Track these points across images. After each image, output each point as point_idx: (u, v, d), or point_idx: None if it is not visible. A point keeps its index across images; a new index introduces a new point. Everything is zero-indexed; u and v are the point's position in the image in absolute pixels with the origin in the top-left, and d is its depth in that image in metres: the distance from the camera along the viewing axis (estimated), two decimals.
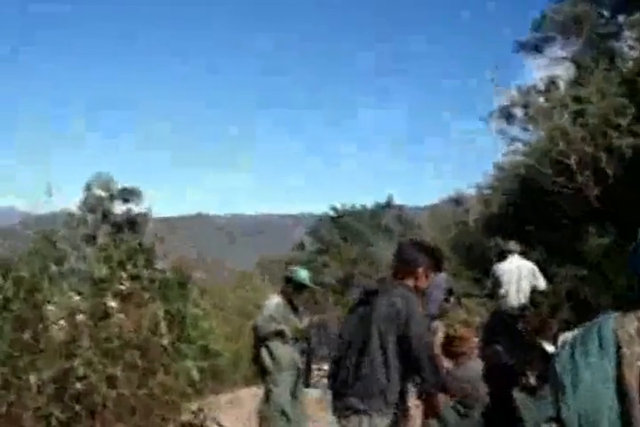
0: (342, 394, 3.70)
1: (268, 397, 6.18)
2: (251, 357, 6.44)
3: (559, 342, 2.11)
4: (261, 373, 6.27)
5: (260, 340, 6.18)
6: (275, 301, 6.31)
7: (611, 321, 1.99)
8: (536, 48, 16.99)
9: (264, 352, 6.14)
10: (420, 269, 4.01)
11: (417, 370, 3.64)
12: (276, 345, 6.13)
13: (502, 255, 8.46)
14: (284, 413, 6.05)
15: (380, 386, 3.60)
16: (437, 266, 4.21)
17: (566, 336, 2.10)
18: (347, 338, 3.83)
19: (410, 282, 3.94)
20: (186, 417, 5.94)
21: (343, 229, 30.58)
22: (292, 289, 6.39)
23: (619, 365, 1.90)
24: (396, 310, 3.67)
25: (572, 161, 12.65)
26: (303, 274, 6.50)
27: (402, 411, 3.69)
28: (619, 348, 1.91)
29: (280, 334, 6.15)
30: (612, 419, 1.85)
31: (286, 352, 6.15)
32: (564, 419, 1.93)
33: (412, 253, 4.03)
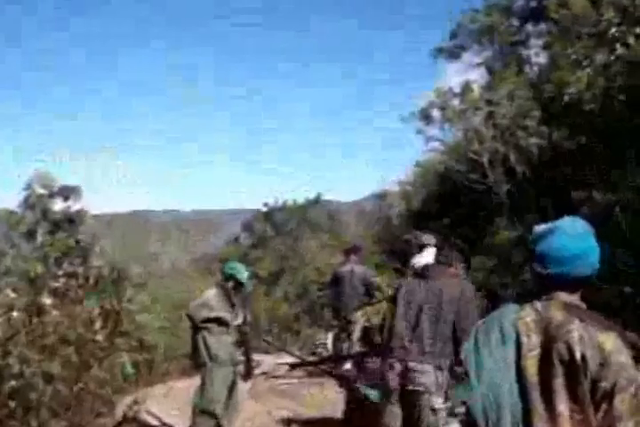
0: (419, 350, 4.24)
1: (202, 390, 5.87)
2: (189, 349, 6.16)
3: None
4: (197, 366, 5.98)
5: (196, 331, 5.90)
6: (212, 291, 6.09)
7: (511, 312, 2.16)
8: (453, 54, 17.57)
9: (200, 344, 5.85)
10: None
11: (458, 344, 4.16)
12: (213, 338, 5.87)
13: (419, 248, 8.59)
14: (214, 410, 5.80)
15: (449, 348, 4.22)
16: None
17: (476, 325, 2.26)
18: (417, 303, 4.38)
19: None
20: (120, 410, 6.05)
21: (275, 224, 30.90)
22: (232, 286, 6.16)
23: (518, 353, 2.07)
24: (461, 290, 4.36)
25: (485, 159, 13.32)
26: (244, 273, 6.31)
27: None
28: (518, 337, 2.09)
29: (218, 322, 5.92)
30: (513, 403, 2.02)
31: (224, 345, 5.91)
32: (469, 404, 2.10)
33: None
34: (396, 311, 4.41)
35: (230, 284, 6.15)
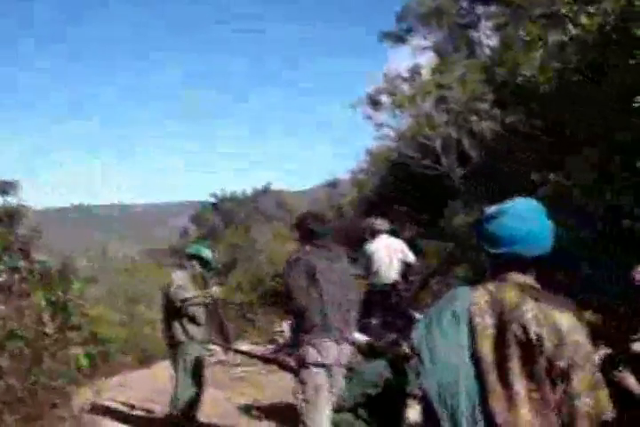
0: None
1: (179, 363, 6.17)
2: (163, 330, 6.45)
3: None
4: (171, 345, 6.24)
5: (173, 311, 6.17)
6: (180, 274, 6.37)
7: (463, 294, 2.15)
8: (400, 38, 17.43)
9: (176, 324, 6.16)
10: None
11: None
12: (188, 317, 6.17)
13: (372, 235, 8.58)
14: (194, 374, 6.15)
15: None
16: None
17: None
18: None
19: None
20: (76, 401, 5.96)
21: (224, 214, 30.66)
22: (200, 266, 6.45)
23: (472, 334, 2.07)
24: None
25: (437, 144, 13.35)
26: (207, 252, 6.60)
27: None
28: (471, 319, 2.09)
29: (196, 301, 6.21)
30: (469, 385, 2.01)
31: (197, 323, 6.22)
32: (424, 388, 2.08)
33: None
34: None
35: (195, 263, 6.42)
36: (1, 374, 5.43)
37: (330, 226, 5.07)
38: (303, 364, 4.40)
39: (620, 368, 3.62)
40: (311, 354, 4.34)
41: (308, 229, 4.82)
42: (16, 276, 6.41)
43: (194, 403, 6.16)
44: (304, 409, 4.38)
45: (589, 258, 7.15)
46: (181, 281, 6.26)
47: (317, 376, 4.35)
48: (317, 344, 4.35)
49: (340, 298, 4.53)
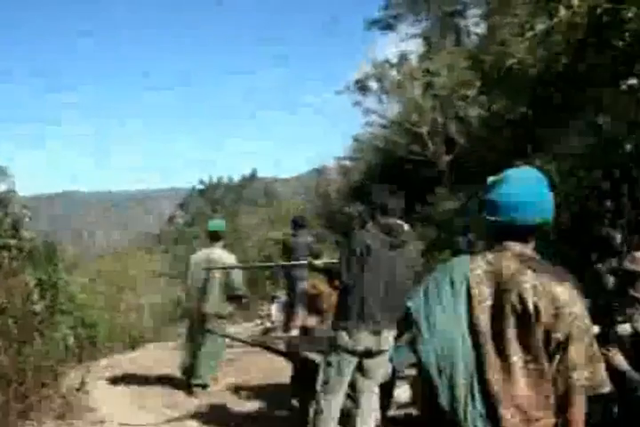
0: None
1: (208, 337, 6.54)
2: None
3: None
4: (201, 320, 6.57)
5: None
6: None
7: (461, 264, 2.13)
8: (388, 26, 17.39)
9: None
10: None
11: None
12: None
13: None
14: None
15: None
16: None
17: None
18: None
19: None
20: (65, 382, 5.91)
21: (211, 201, 30.72)
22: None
23: (469, 304, 2.04)
24: None
25: (424, 130, 13.42)
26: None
27: None
28: (469, 289, 2.06)
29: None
30: (466, 355, 2.00)
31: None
32: (423, 360, 2.06)
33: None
34: None
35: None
36: None
37: (397, 203, 4.23)
38: (333, 346, 4.25)
39: (609, 347, 3.68)
40: (342, 338, 4.18)
41: (369, 202, 4.37)
42: (5, 254, 6.41)
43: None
44: (321, 389, 4.30)
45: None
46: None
47: (343, 361, 4.24)
48: (350, 330, 4.16)
49: (385, 287, 4.18)
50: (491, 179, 2.17)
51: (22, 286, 6.17)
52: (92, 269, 14.99)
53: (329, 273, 4.82)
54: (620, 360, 3.65)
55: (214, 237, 6.83)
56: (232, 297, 6.73)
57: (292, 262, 8.59)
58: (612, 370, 3.35)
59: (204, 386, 6.60)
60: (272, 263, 9.44)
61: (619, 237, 5.20)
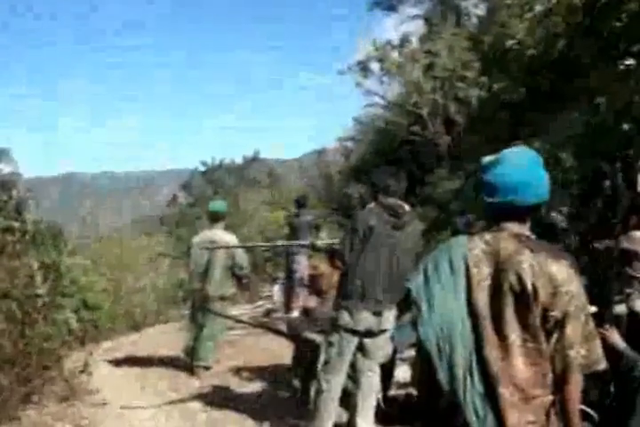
0: None
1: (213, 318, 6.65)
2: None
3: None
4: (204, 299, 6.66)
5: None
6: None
7: (459, 244, 2.15)
8: (390, 7, 17.27)
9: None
10: None
11: None
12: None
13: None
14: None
15: None
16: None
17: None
18: None
19: None
20: (68, 364, 5.96)
21: (213, 183, 30.57)
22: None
23: (468, 284, 2.07)
24: None
25: (425, 111, 13.37)
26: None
27: None
28: (468, 268, 2.09)
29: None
30: (465, 334, 2.03)
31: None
32: (423, 339, 2.08)
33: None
34: None
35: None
36: None
37: (399, 183, 4.26)
38: (334, 326, 4.27)
39: (606, 326, 3.70)
40: (343, 318, 4.20)
41: (371, 183, 4.42)
42: (9, 237, 6.41)
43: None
44: (322, 369, 4.33)
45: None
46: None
47: (343, 341, 4.26)
48: (352, 310, 4.19)
49: (387, 267, 4.19)
50: (486, 159, 2.17)
51: (26, 268, 6.20)
52: (94, 252, 15.01)
53: (331, 253, 4.80)
54: (616, 339, 3.68)
55: (215, 217, 6.86)
56: (237, 276, 6.81)
57: (293, 242, 8.64)
58: (609, 349, 3.38)
59: (207, 368, 6.66)
60: (273, 243, 9.49)
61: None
